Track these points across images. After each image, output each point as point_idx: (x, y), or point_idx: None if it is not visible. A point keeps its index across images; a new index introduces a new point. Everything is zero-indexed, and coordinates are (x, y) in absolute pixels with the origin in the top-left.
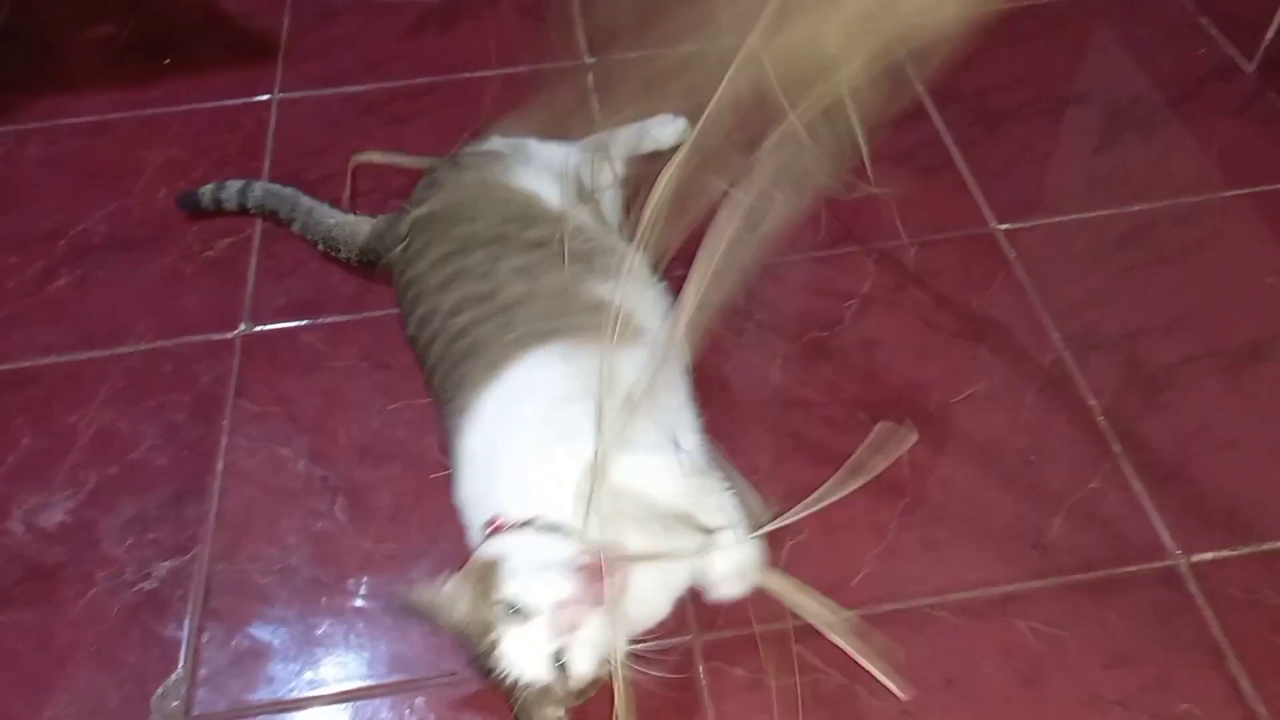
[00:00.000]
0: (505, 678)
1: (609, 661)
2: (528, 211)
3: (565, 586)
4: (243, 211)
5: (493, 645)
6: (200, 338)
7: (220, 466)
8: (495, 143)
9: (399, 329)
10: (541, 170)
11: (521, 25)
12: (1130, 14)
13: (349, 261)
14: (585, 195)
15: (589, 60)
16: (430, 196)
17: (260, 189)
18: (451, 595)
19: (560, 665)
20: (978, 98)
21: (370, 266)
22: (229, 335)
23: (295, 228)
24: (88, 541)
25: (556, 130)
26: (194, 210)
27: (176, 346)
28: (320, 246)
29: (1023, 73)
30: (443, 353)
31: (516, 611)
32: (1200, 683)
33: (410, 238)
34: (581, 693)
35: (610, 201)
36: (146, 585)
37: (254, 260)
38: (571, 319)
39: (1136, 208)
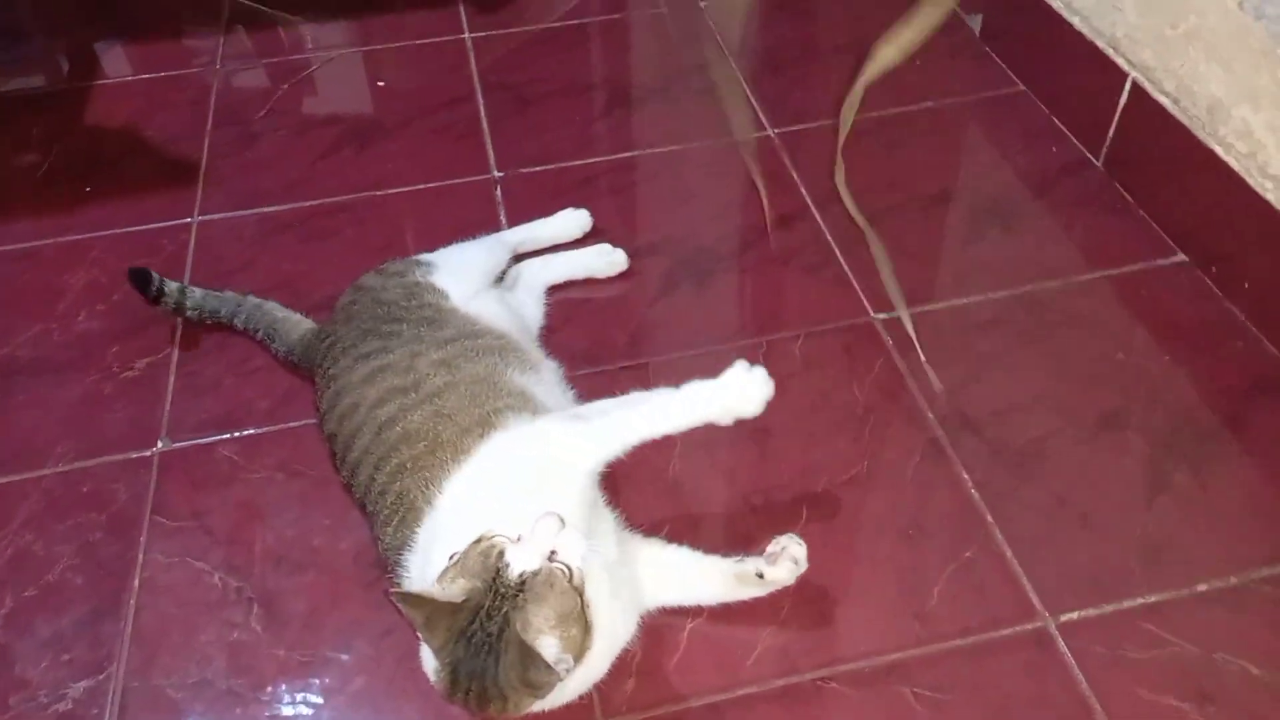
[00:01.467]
0: (510, 582)
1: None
2: (441, 314)
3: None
4: (178, 312)
5: (492, 576)
6: (119, 456)
7: (136, 583)
8: (421, 255)
9: (314, 439)
10: (457, 274)
11: (433, 144)
12: (991, 118)
13: (278, 355)
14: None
15: (498, 174)
16: (356, 298)
17: (200, 292)
18: (447, 580)
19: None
20: (856, 197)
21: (294, 366)
22: (147, 453)
23: (239, 322)
24: (2, 665)
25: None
26: (141, 287)
27: (95, 466)
28: (260, 335)
29: (896, 175)
30: (371, 442)
31: (509, 540)
32: None
33: (335, 336)
34: (580, 591)
35: (531, 302)
36: (61, 707)
37: (172, 379)
38: (498, 402)
39: (1001, 294)
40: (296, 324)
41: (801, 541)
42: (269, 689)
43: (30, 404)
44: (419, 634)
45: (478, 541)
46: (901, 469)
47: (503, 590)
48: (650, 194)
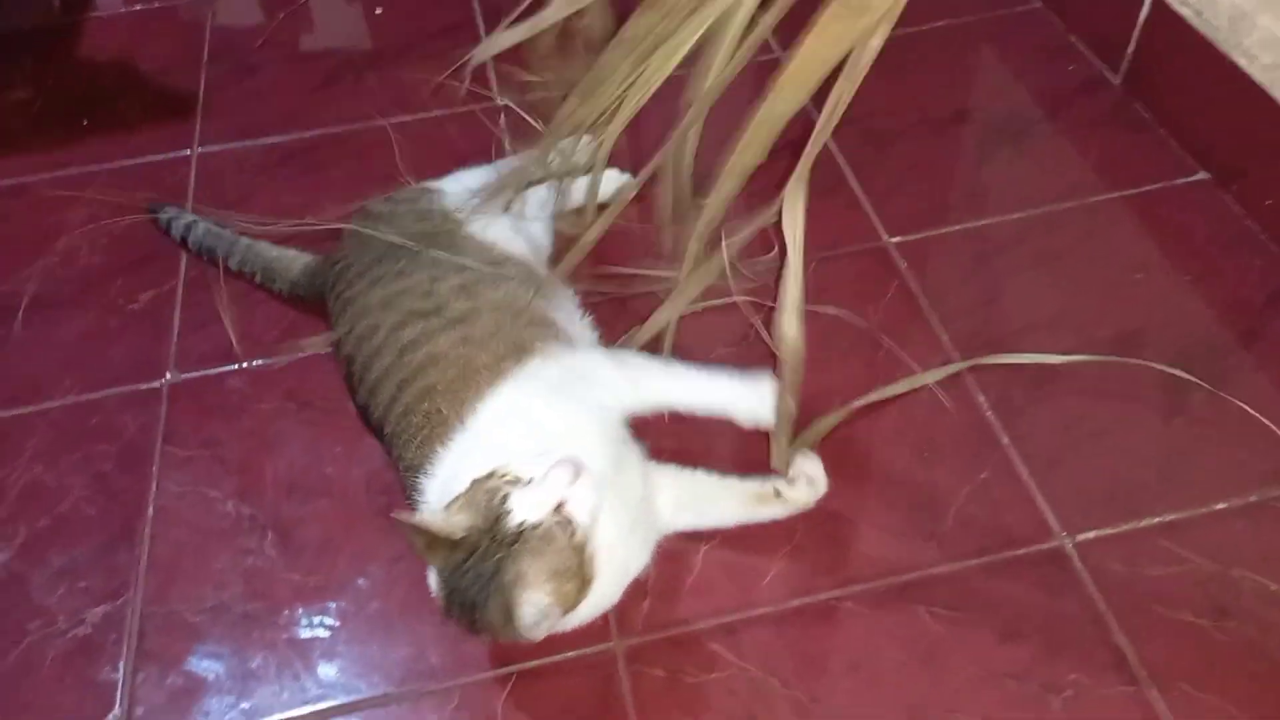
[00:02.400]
0: (508, 530)
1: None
2: (456, 239)
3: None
4: (182, 245)
5: (493, 520)
6: (127, 389)
7: (150, 512)
8: (429, 181)
9: (322, 370)
10: (466, 192)
11: (432, 73)
12: (1005, 36)
13: (280, 293)
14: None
15: (501, 101)
16: (366, 225)
17: (203, 228)
18: (453, 511)
19: (561, 516)
20: (867, 120)
21: (298, 300)
22: (155, 384)
23: (233, 263)
24: (19, 594)
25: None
26: (153, 218)
27: (103, 399)
28: (258, 279)
29: (908, 96)
30: (392, 364)
31: (519, 481)
32: (1087, 653)
33: (346, 260)
34: (579, 550)
35: (541, 229)
36: (80, 631)
37: (178, 311)
38: (528, 330)
39: (1015, 215)
40: (293, 259)
41: (818, 460)
42: (285, 612)
43: (35, 339)
44: (420, 555)
45: (488, 477)
46: (916, 392)
47: (500, 536)
48: (658, 117)
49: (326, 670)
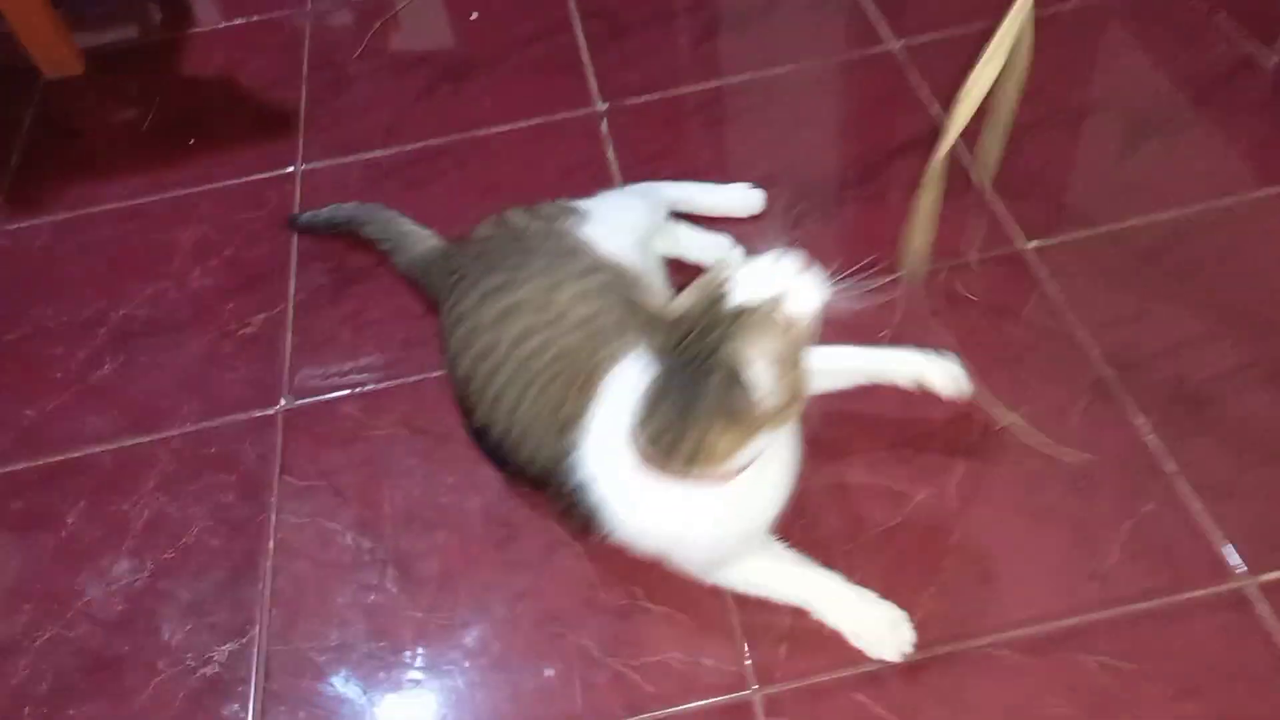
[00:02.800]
0: (727, 310)
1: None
2: (576, 250)
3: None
4: (331, 228)
5: (713, 301)
6: (243, 416)
7: (271, 545)
8: (577, 202)
9: (434, 394)
10: (614, 230)
11: (531, 79)
12: (1142, 17)
13: (397, 267)
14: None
15: (602, 106)
16: (494, 234)
17: (352, 204)
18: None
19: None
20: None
21: (411, 282)
22: (270, 411)
23: (371, 231)
24: (148, 630)
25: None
26: (299, 229)
27: (220, 427)
28: (386, 246)
29: (1039, 84)
30: (515, 372)
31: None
32: (1275, 711)
33: (462, 270)
34: (797, 345)
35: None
36: (208, 671)
37: (289, 334)
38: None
39: (1166, 215)
40: (424, 238)
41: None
42: (408, 653)
43: (151, 365)
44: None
45: (713, 269)
46: (1065, 413)
47: (719, 316)
48: (770, 119)
49: (452, 715)
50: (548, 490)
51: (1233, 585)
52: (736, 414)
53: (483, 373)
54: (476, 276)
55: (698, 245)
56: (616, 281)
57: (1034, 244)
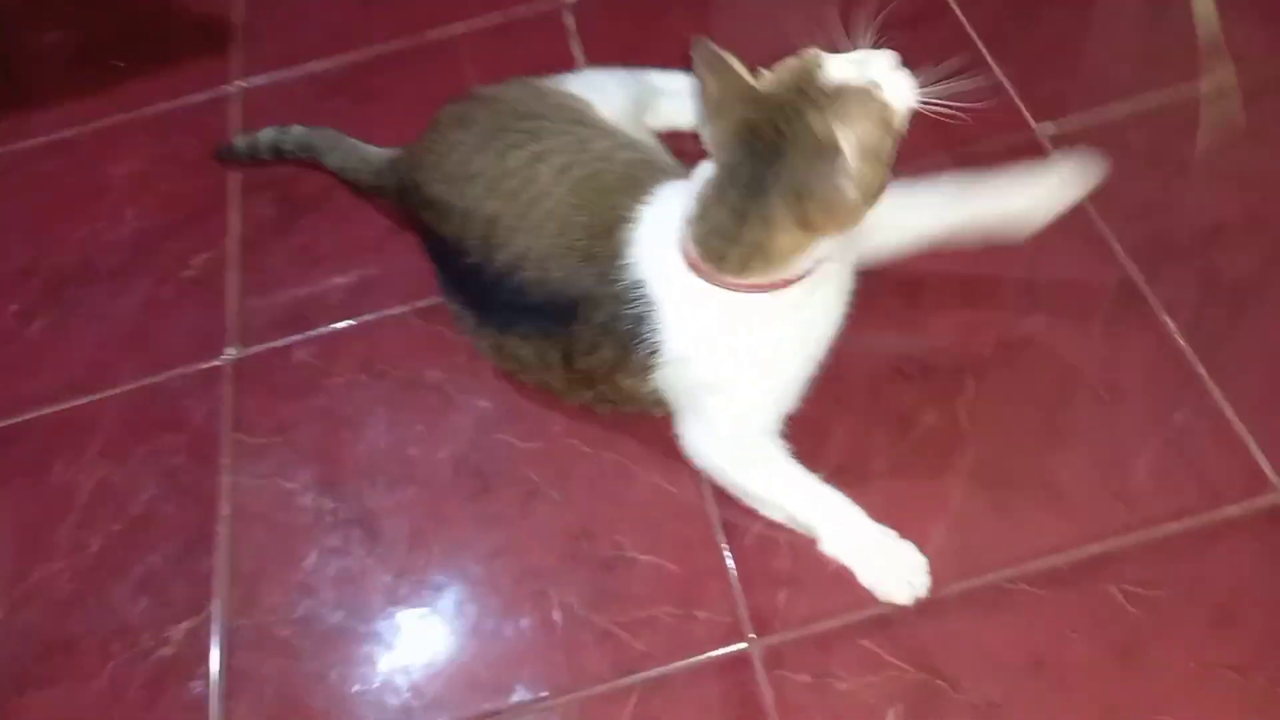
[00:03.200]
0: (824, 86)
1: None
2: (587, 117)
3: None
4: (278, 155)
5: (805, 80)
6: (189, 369)
7: (226, 510)
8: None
9: (395, 333)
10: (596, 87)
11: None
12: None
13: (363, 185)
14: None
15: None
16: (469, 109)
17: (299, 129)
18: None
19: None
20: None
21: (377, 193)
22: (218, 362)
23: (332, 161)
24: (100, 609)
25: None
26: (230, 160)
27: (165, 381)
28: (348, 175)
29: None
30: (564, 196)
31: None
32: None
33: (450, 143)
34: (888, 134)
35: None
36: (165, 651)
37: (234, 275)
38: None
39: (1193, 84)
40: (381, 152)
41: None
42: (380, 621)
43: (88, 316)
44: (704, 113)
45: (798, 55)
46: (1087, 316)
47: (811, 94)
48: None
49: (430, 686)
50: (582, 309)
51: (1271, 498)
52: (813, 197)
53: (521, 202)
54: (477, 142)
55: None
56: (641, 152)
57: (1050, 129)
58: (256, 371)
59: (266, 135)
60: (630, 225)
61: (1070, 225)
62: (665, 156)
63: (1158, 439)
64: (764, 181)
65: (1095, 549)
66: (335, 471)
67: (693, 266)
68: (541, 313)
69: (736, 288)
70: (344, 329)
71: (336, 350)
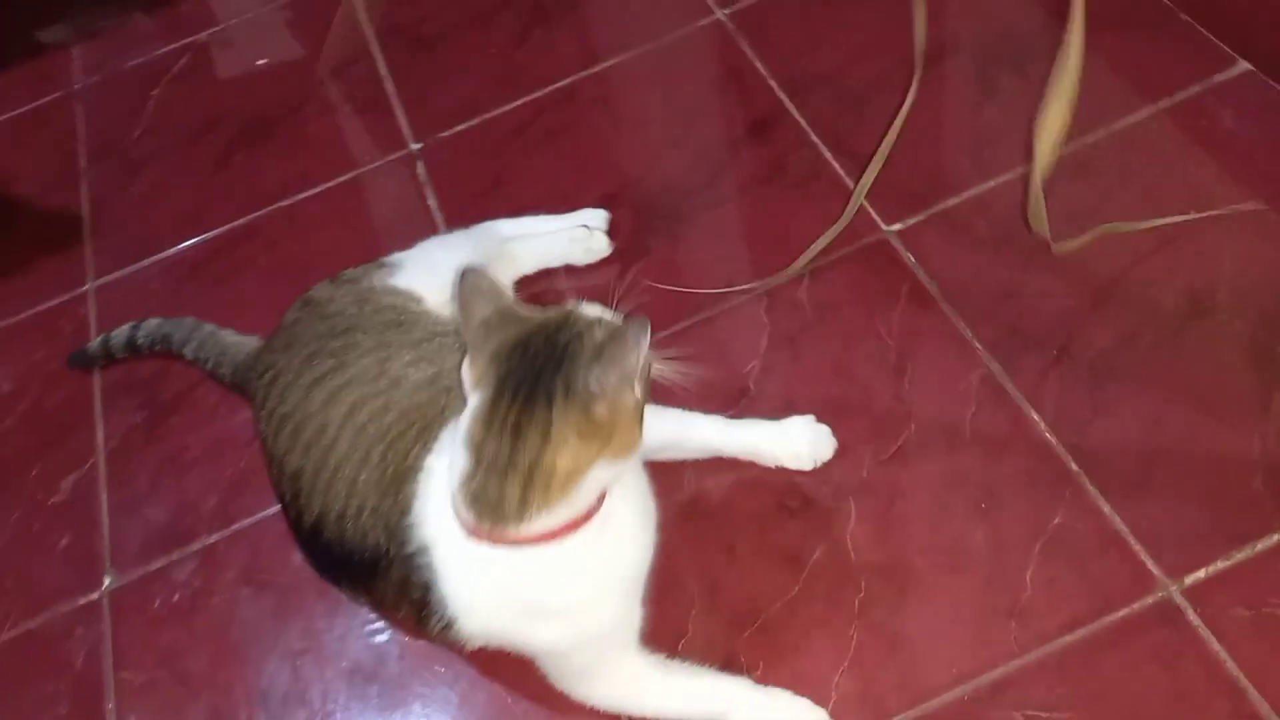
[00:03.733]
0: (583, 317)
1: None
2: (406, 316)
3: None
4: (133, 351)
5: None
6: (66, 606)
7: None
8: (388, 256)
9: (274, 536)
10: (430, 270)
11: (334, 124)
12: None
13: (224, 380)
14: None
15: (415, 146)
16: (300, 316)
17: (154, 322)
18: None
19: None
20: (836, 80)
21: (238, 389)
22: (95, 595)
23: (189, 351)
24: None
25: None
26: (85, 366)
27: (42, 625)
28: (209, 366)
29: (873, 39)
30: (352, 444)
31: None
32: None
33: (275, 368)
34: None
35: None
36: None
37: (104, 495)
38: None
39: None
40: (245, 345)
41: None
42: None
43: None
44: (470, 339)
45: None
46: (956, 423)
47: (578, 320)
48: (602, 127)
49: None
50: (381, 565)
51: (1158, 595)
52: (595, 397)
53: (314, 459)
54: (296, 369)
55: (544, 246)
56: (458, 340)
57: (897, 226)
58: (135, 599)
59: (120, 333)
60: (416, 479)
61: (926, 326)
62: None
63: (1041, 546)
64: (540, 389)
65: (996, 674)
66: (225, 700)
67: (472, 533)
68: (351, 567)
69: (522, 542)
70: (222, 538)
71: (217, 563)
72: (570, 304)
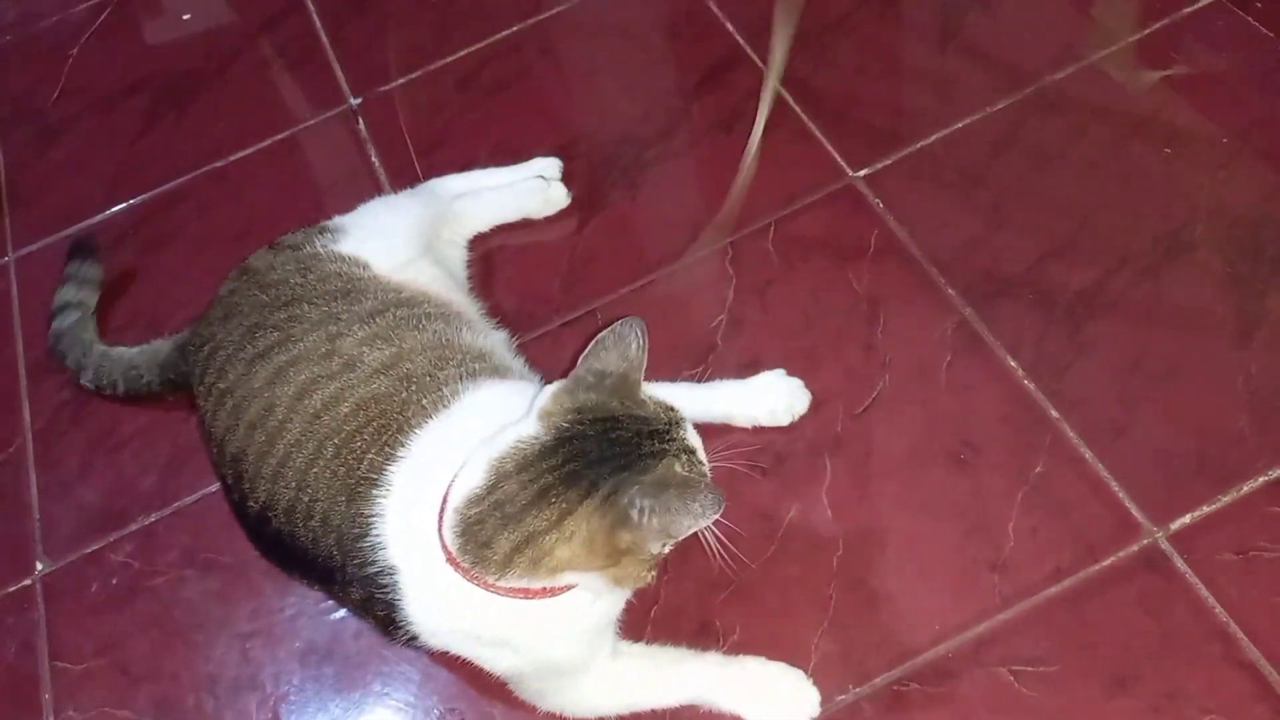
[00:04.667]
0: (679, 439)
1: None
2: (354, 284)
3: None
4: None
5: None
6: None
7: None
8: (330, 220)
9: (218, 514)
10: (376, 234)
11: (268, 81)
12: None
13: (150, 387)
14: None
15: (355, 101)
16: (237, 286)
17: (53, 336)
18: None
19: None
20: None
21: (173, 387)
22: (27, 581)
23: (87, 379)
24: None
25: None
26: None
27: None
28: (120, 388)
29: None
30: (302, 434)
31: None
32: (1217, 681)
33: (214, 341)
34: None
35: (456, 257)
36: None
37: (33, 477)
38: (468, 365)
39: (1000, 105)
40: (155, 349)
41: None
42: None
43: None
44: (577, 371)
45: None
46: (932, 372)
47: (675, 440)
48: (551, 77)
49: None
50: (338, 577)
51: (1143, 542)
52: (628, 522)
53: (259, 442)
54: (236, 342)
55: (497, 200)
56: (415, 315)
57: (864, 172)
58: (70, 585)
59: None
60: (373, 496)
61: (897, 272)
62: (457, 295)
63: (1023, 496)
64: (589, 474)
65: (980, 629)
66: (172, 689)
67: (449, 561)
68: (304, 563)
69: (493, 590)
70: (161, 518)
71: (156, 544)
72: (684, 418)
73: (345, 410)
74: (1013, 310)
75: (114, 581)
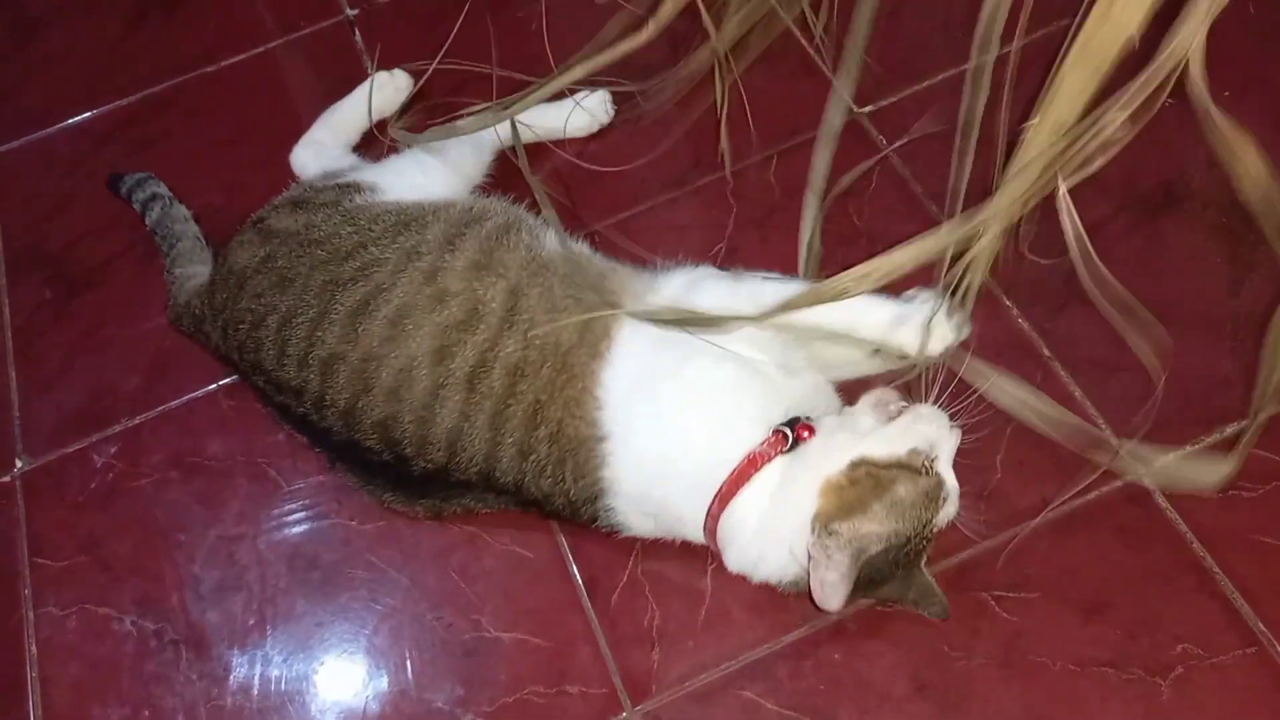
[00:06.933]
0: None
1: None
2: (407, 214)
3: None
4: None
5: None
6: None
7: (33, 650)
8: (354, 175)
9: (204, 417)
10: (411, 192)
11: None
12: None
13: (170, 299)
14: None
15: (351, 12)
16: (274, 252)
17: (159, 212)
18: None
19: None
20: None
21: (174, 324)
22: (6, 478)
23: (149, 219)
24: None
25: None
26: (116, 191)
27: None
28: (165, 252)
29: None
30: (466, 403)
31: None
32: (1191, 612)
33: (280, 311)
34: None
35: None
36: None
37: (13, 375)
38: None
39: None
40: (195, 274)
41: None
42: None
43: None
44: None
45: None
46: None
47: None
48: None
49: None
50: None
51: (1128, 478)
52: (861, 504)
53: (416, 408)
54: (317, 306)
55: (560, 120)
56: (493, 231)
57: (868, 108)
58: (51, 483)
59: (146, 190)
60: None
61: (897, 208)
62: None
63: (1012, 429)
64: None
65: (963, 555)
66: (155, 587)
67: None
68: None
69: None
70: (146, 420)
71: (140, 445)
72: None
73: (498, 381)
74: (1009, 250)
75: (95, 482)
